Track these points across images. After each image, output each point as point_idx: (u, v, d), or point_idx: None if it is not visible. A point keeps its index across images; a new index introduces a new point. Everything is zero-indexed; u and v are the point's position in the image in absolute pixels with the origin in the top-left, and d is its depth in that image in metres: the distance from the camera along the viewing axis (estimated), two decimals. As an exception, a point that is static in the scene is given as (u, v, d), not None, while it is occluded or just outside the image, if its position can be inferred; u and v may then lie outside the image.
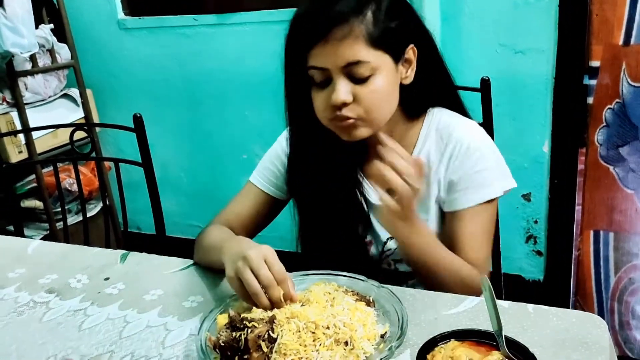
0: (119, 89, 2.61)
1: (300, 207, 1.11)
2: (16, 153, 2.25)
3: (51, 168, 2.41)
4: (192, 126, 2.55)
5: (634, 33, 1.67)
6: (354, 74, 0.91)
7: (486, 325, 0.80)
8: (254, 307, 0.84)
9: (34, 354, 0.85)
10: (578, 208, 1.93)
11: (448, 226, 1.04)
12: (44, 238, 2.37)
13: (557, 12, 1.79)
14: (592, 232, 1.87)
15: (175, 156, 2.62)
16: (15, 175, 2.41)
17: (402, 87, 0.99)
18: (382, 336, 0.79)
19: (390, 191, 0.85)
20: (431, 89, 1.04)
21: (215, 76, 2.40)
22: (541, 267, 2.10)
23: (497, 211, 1.08)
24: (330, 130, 1.00)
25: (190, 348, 0.83)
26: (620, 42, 1.70)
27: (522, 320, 0.82)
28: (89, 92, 2.52)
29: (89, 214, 2.02)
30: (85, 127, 2.12)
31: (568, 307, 1.23)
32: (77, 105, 2.48)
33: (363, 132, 0.96)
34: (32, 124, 2.22)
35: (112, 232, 2.03)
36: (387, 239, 1.07)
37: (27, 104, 2.28)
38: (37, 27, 2.21)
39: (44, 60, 2.33)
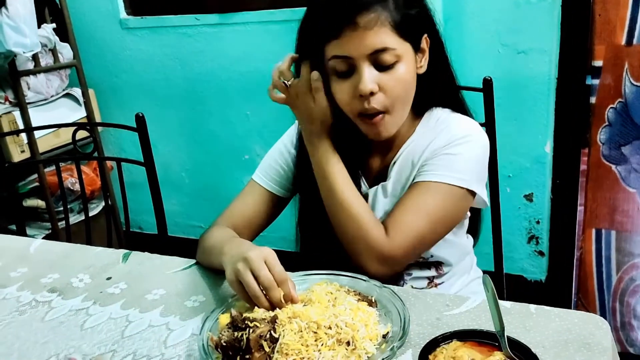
0: (121, 89, 2.61)
1: (302, 203, 1.11)
2: (18, 152, 2.26)
3: (53, 167, 2.42)
4: (193, 126, 2.55)
5: (636, 33, 1.67)
6: (380, 61, 0.92)
7: (488, 325, 0.80)
8: (256, 307, 0.84)
9: (36, 353, 0.85)
10: (580, 208, 1.92)
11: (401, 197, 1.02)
12: (46, 237, 2.37)
13: (559, 12, 1.79)
14: (594, 231, 1.87)
15: (177, 156, 2.62)
16: (18, 174, 2.41)
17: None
18: (384, 336, 0.79)
19: None
20: (436, 83, 1.04)
21: (217, 76, 2.40)
22: (543, 268, 2.10)
23: (454, 210, 0.99)
24: (336, 127, 1.00)
25: (192, 348, 0.83)
26: (623, 42, 1.70)
27: (525, 320, 0.82)
28: (91, 91, 2.52)
29: (90, 214, 2.02)
30: (88, 127, 2.13)
31: (570, 308, 1.23)
32: (79, 104, 2.49)
33: (390, 129, 0.97)
34: (34, 124, 2.23)
35: (113, 231, 2.03)
36: None
37: (29, 103, 2.29)
38: (39, 27, 2.22)
39: (46, 60, 2.33)
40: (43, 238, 2.33)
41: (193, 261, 1.09)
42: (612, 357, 0.75)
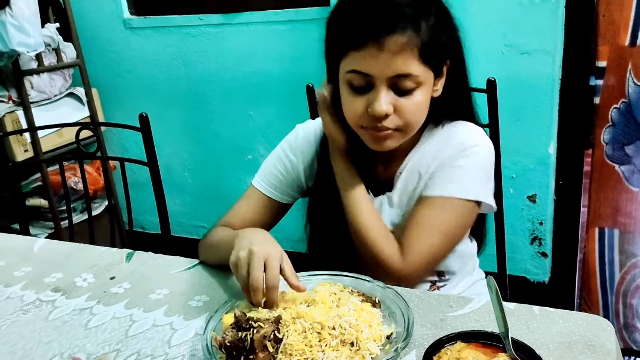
0: (124, 88, 2.62)
1: (311, 205, 1.11)
2: (22, 152, 2.26)
3: (56, 167, 2.42)
4: (196, 126, 2.55)
5: (640, 34, 1.67)
6: (399, 86, 0.89)
7: (492, 326, 0.80)
8: (260, 308, 0.84)
9: (40, 352, 0.85)
10: (584, 210, 1.92)
11: (411, 212, 1.02)
12: (49, 237, 2.38)
13: (563, 13, 1.79)
14: (597, 230, 1.88)
15: (180, 156, 2.62)
16: (21, 173, 2.42)
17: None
18: (387, 337, 0.79)
19: None
20: (452, 103, 1.01)
21: (221, 76, 2.41)
22: (546, 269, 2.09)
23: (464, 223, 1.01)
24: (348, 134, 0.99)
25: (196, 347, 0.83)
26: (627, 43, 1.70)
27: (528, 322, 0.82)
28: (94, 91, 2.53)
29: (93, 213, 2.02)
30: (92, 127, 2.13)
31: (573, 309, 1.22)
32: (83, 104, 2.49)
33: (394, 143, 0.95)
34: (37, 123, 2.23)
35: (116, 231, 2.03)
36: None
37: (32, 102, 2.29)
38: (43, 26, 2.22)
39: (49, 59, 2.34)
40: (46, 237, 2.33)
41: (197, 261, 1.09)
42: (616, 359, 0.75)
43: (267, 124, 2.38)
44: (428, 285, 1.09)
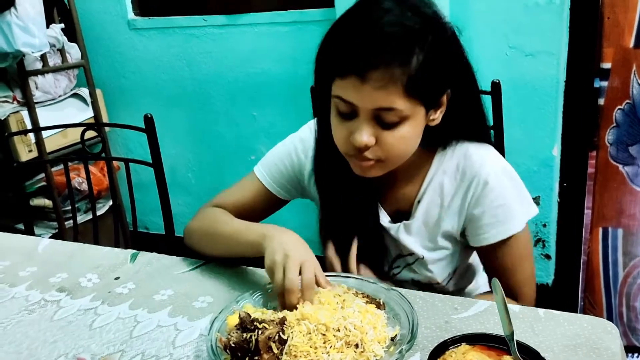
0: (129, 89, 2.62)
1: (323, 210, 1.09)
2: (26, 152, 2.27)
3: (60, 167, 2.43)
4: (200, 126, 2.55)
5: (644, 36, 1.68)
6: (382, 118, 0.86)
7: (496, 329, 0.80)
8: (264, 309, 0.84)
9: (45, 352, 0.85)
10: (587, 212, 1.92)
11: (485, 258, 1.04)
12: (53, 237, 2.38)
13: (568, 15, 1.78)
14: (601, 230, 1.88)
15: (184, 156, 2.63)
16: (25, 173, 2.42)
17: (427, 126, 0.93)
18: (392, 339, 0.79)
19: None
20: (458, 127, 0.98)
21: (224, 77, 2.41)
22: (550, 271, 2.09)
23: (531, 237, 1.06)
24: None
25: (200, 348, 0.83)
26: (631, 45, 1.71)
27: (533, 324, 0.82)
28: (98, 91, 2.53)
29: (97, 213, 2.03)
30: (97, 127, 2.14)
31: (577, 312, 1.23)
32: (87, 104, 2.50)
33: (378, 172, 0.93)
34: (42, 123, 2.24)
35: (119, 231, 2.03)
36: (396, 256, 1.06)
37: (37, 103, 2.30)
38: (48, 27, 2.23)
39: (54, 60, 2.34)
40: (49, 237, 2.34)
41: (201, 262, 1.09)
42: (621, 362, 0.75)
43: (270, 125, 2.38)
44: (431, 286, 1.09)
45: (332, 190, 1.03)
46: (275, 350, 0.74)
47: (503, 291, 0.71)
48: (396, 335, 0.80)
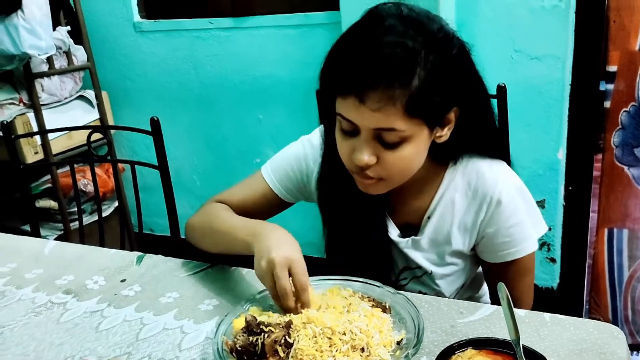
0: (134, 91, 2.63)
1: (325, 216, 1.08)
2: (32, 154, 2.28)
3: (65, 169, 2.44)
4: (205, 129, 2.56)
5: (651, 39, 1.68)
6: (383, 138, 0.85)
7: (502, 333, 0.80)
8: (270, 312, 0.84)
9: (52, 355, 0.85)
10: (593, 215, 1.92)
11: (490, 270, 1.04)
12: (58, 238, 2.39)
13: (574, 18, 1.78)
14: (606, 231, 1.89)
15: (189, 159, 2.63)
16: (31, 175, 2.43)
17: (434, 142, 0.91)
18: (398, 343, 0.79)
19: None
20: (469, 142, 0.97)
21: (230, 79, 2.41)
22: (555, 275, 2.08)
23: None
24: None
25: (206, 351, 0.83)
26: (637, 48, 1.72)
27: (539, 329, 0.82)
28: (104, 94, 2.54)
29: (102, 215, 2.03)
30: (103, 130, 2.14)
31: (581, 316, 1.23)
32: (93, 106, 2.51)
33: (381, 190, 0.92)
34: (47, 125, 2.25)
35: (125, 233, 2.04)
36: (403, 268, 1.06)
37: (43, 105, 2.31)
38: (54, 29, 2.24)
39: (60, 62, 2.35)
40: (55, 239, 2.35)
41: (206, 265, 1.10)
42: (627, 367, 0.75)
43: (275, 128, 2.39)
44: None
45: (339, 202, 1.02)
46: (282, 354, 0.74)
47: (509, 296, 0.71)
48: (402, 339, 0.80)
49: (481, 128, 0.96)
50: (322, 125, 1.04)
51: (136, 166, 1.55)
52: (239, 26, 2.31)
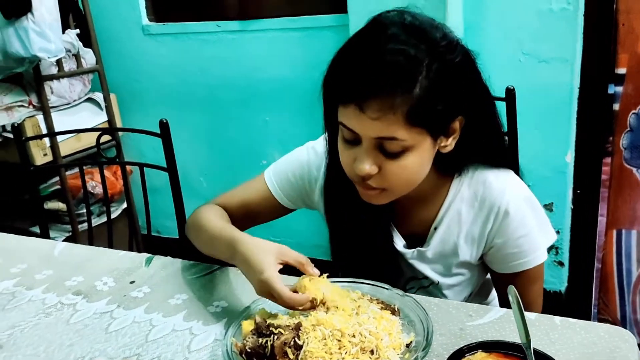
0: (142, 94, 2.65)
1: (331, 221, 1.07)
2: (41, 156, 2.29)
3: (74, 171, 2.45)
4: (212, 131, 2.57)
5: (659, 43, 1.67)
6: (385, 147, 0.84)
7: (512, 336, 0.79)
8: (279, 314, 0.84)
9: (62, 355, 0.86)
10: (601, 219, 1.92)
11: (499, 278, 1.02)
12: (66, 240, 2.40)
13: (582, 21, 1.78)
14: (615, 232, 1.88)
15: (196, 161, 2.64)
16: (40, 177, 2.45)
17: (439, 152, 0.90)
18: (407, 345, 0.79)
19: None
20: (474, 152, 0.95)
21: (237, 82, 2.42)
22: (563, 279, 2.08)
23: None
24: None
25: (215, 353, 0.84)
26: (646, 51, 1.71)
27: (549, 332, 0.81)
28: (112, 96, 2.56)
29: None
30: (112, 132, 2.15)
31: (590, 320, 1.22)
32: (101, 109, 2.52)
33: (384, 200, 0.91)
34: (56, 128, 2.26)
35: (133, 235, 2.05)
36: (409, 278, 1.05)
37: (52, 107, 2.32)
38: (63, 32, 2.25)
39: (69, 65, 2.37)
40: (63, 240, 2.36)
41: (215, 267, 1.10)
42: (639, 371, 0.74)
43: (282, 130, 2.39)
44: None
45: (344, 211, 1.01)
46: (291, 356, 0.74)
47: (520, 299, 0.71)
48: (411, 342, 0.80)
49: (487, 137, 0.94)
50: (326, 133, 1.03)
51: (144, 168, 1.56)
52: (246, 29, 2.32)
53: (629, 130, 1.80)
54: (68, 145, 2.38)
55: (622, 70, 1.76)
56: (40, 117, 2.28)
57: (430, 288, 1.04)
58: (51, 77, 2.29)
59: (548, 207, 2.00)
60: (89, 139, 2.41)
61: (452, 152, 0.90)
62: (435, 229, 0.99)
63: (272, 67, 2.33)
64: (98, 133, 1.55)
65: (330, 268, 1.02)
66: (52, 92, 2.33)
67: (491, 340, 0.75)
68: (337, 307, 0.82)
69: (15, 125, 1.57)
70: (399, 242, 1.03)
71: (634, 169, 1.82)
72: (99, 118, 2.52)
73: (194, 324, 0.92)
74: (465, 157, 0.95)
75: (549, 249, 2.04)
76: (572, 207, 1.99)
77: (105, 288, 1.05)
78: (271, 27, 2.27)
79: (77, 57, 2.38)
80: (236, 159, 2.55)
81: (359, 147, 0.85)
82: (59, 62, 2.28)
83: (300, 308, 0.82)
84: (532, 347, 0.69)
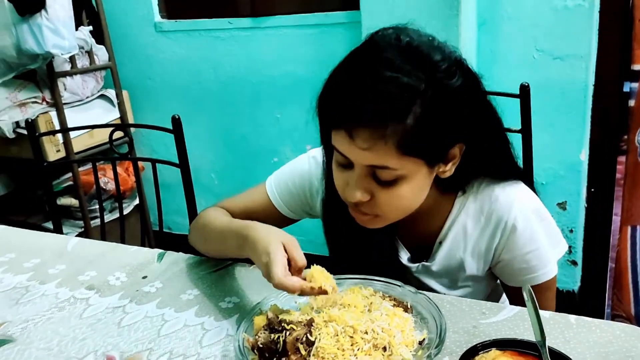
0: (154, 91, 2.66)
1: (333, 243, 1.06)
2: (54, 152, 2.31)
3: (86, 167, 2.47)
4: (224, 128, 2.57)
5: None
6: (378, 175, 0.81)
7: (526, 334, 0.79)
8: (291, 310, 0.84)
9: (75, 349, 0.86)
10: (616, 218, 1.89)
11: (510, 288, 1.00)
12: (78, 235, 2.42)
13: (598, 18, 1.76)
14: (629, 228, 1.86)
15: (207, 158, 2.65)
16: (53, 173, 2.47)
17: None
18: (420, 343, 0.78)
19: None
20: (478, 171, 0.93)
21: (249, 79, 2.42)
22: (576, 278, 2.06)
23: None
24: None
25: (227, 348, 0.84)
26: (662, 47, 1.69)
27: (564, 331, 0.80)
28: (124, 93, 2.57)
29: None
30: (125, 128, 2.16)
31: (603, 319, 1.21)
32: (113, 105, 2.54)
33: (378, 225, 0.89)
34: (69, 124, 2.28)
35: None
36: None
37: (65, 104, 2.34)
38: (77, 29, 2.27)
39: (82, 62, 2.38)
40: (75, 236, 2.38)
41: (227, 262, 1.10)
42: (655, 371, 0.73)
43: (293, 127, 2.39)
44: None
45: (344, 226, 0.98)
46: (303, 352, 0.74)
47: (535, 297, 0.70)
48: (424, 339, 0.79)
49: (492, 159, 0.92)
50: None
51: (156, 164, 1.56)
52: (258, 26, 2.32)
53: (645, 126, 1.78)
54: (81, 142, 2.39)
55: (637, 67, 1.74)
56: (53, 114, 2.30)
57: None
58: (64, 74, 2.31)
59: (561, 206, 1.99)
60: (102, 136, 2.43)
61: (454, 177, 0.87)
62: (441, 243, 0.98)
63: (284, 64, 2.33)
64: (110, 129, 1.55)
65: (327, 264, 1.01)
66: (65, 89, 2.34)
67: (505, 338, 0.74)
68: (349, 304, 0.81)
69: (29, 121, 1.58)
70: (404, 256, 1.01)
71: (649, 166, 1.80)
72: (112, 115, 2.54)
73: (205, 319, 0.92)
74: (469, 176, 0.93)
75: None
76: (585, 205, 1.97)
77: (117, 283, 1.05)
78: (283, 24, 2.27)
79: (90, 53, 2.40)
80: (247, 156, 2.56)
81: (351, 171, 0.83)
82: (72, 59, 2.30)
83: (307, 293, 0.80)
84: (547, 345, 0.68)
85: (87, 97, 2.47)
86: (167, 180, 2.03)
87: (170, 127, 1.47)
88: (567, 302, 2.07)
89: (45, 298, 1.02)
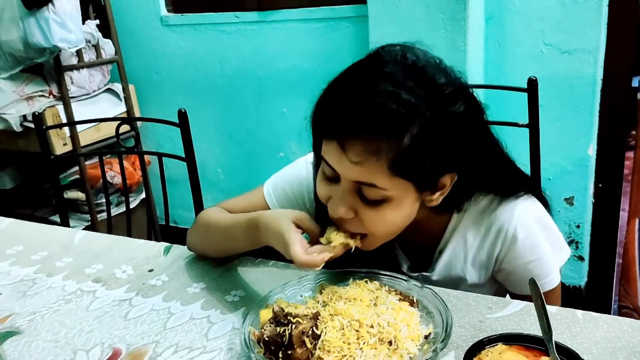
0: (161, 84, 2.66)
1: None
2: (61, 145, 2.32)
3: (93, 160, 2.48)
4: (230, 122, 2.58)
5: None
6: (364, 193, 0.78)
7: (532, 329, 0.78)
8: (297, 304, 0.84)
9: (81, 341, 0.87)
10: (623, 214, 1.88)
11: (519, 296, 0.98)
12: (85, 229, 2.43)
13: (606, 11, 1.74)
14: (637, 221, 1.85)
15: (213, 152, 2.65)
16: (59, 166, 2.48)
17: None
18: (426, 337, 0.78)
19: None
20: (471, 194, 0.90)
21: (255, 73, 2.42)
22: (582, 273, 2.05)
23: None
24: None
25: (233, 341, 0.84)
26: (671, 42, 1.67)
27: (571, 326, 0.80)
28: (131, 87, 2.57)
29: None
30: (132, 122, 2.17)
31: (610, 314, 1.20)
32: (120, 99, 2.54)
33: (368, 246, 0.86)
34: (76, 117, 2.29)
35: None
36: None
37: (72, 97, 2.34)
38: (83, 23, 2.27)
39: (89, 55, 2.39)
40: (82, 229, 2.39)
41: (232, 256, 1.10)
42: (663, 366, 0.73)
43: (300, 122, 2.36)
44: None
45: None
46: (309, 345, 0.74)
47: (542, 292, 0.70)
48: (430, 333, 0.79)
49: (491, 180, 0.90)
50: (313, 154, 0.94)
51: (162, 158, 1.57)
52: (265, 20, 2.31)
53: (653, 120, 1.76)
54: (87, 135, 2.40)
55: (647, 61, 1.73)
56: (60, 107, 2.31)
57: None
58: (71, 68, 2.31)
59: (569, 201, 1.98)
60: (108, 129, 2.43)
61: (446, 201, 0.85)
62: (440, 252, 0.97)
63: (290, 58, 2.32)
64: (117, 123, 1.56)
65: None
66: (72, 83, 2.35)
67: (512, 332, 0.74)
68: (355, 298, 0.81)
69: (36, 114, 1.58)
70: (404, 264, 1.01)
71: (658, 159, 1.79)
72: (118, 109, 2.54)
73: (211, 313, 0.92)
74: (462, 199, 0.90)
75: (569, 243, 2.02)
76: (593, 201, 1.96)
77: (124, 276, 1.06)
78: (290, 18, 2.26)
79: (96, 47, 2.40)
80: (253, 150, 2.56)
81: (337, 185, 0.81)
82: (78, 53, 2.30)
83: (333, 258, 0.80)
84: (553, 340, 0.68)
85: (94, 91, 2.47)
86: (174, 174, 2.04)
87: (176, 121, 1.47)
88: (573, 298, 2.06)
89: (52, 290, 1.03)
